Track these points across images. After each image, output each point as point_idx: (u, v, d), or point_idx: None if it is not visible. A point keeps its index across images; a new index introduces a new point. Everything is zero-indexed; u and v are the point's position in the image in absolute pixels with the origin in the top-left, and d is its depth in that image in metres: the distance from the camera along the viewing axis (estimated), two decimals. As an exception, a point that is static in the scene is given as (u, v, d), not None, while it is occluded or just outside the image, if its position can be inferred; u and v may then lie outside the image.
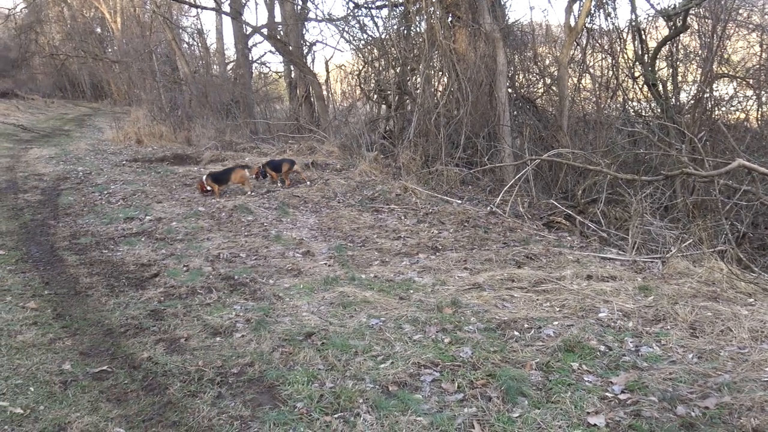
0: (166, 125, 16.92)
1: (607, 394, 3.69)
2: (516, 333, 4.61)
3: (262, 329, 4.79)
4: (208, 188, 9.61)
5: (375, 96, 15.16)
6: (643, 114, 12.57)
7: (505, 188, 9.27)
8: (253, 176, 10.41)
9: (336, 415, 3.59)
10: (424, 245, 7.27)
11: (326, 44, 30.35)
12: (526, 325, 4.73)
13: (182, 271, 6.30)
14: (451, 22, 13.21)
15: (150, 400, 3.85)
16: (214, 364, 4.28)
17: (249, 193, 9.66)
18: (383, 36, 14.24)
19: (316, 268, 6.35)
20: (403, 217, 8.46)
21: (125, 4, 30.02)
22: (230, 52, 27.12)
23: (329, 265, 6.46)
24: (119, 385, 4.05)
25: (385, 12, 14.30)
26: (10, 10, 32.80)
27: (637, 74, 12.26)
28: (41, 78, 34.64)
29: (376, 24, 19.12)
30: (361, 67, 15.52)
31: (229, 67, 25.33)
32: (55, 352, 4.53)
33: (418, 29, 13.51)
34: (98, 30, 35.37)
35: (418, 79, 13.12)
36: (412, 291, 5.68)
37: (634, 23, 11.72)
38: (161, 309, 5.31)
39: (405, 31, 14.01)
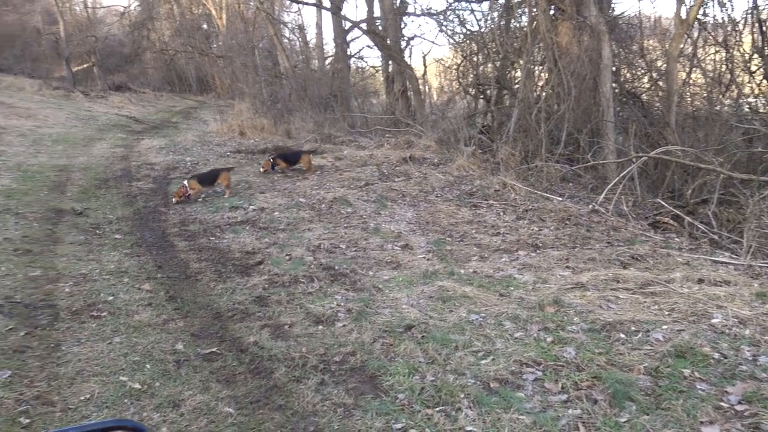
0: (268, 118, 17.42)
1: (722, 403, 3.51)
2: (622, 335, 4.46)
3: (363, 320, 4.86)
4: (189, 192, 9.32)
5: (473, 90, 15.03)
6: (761, 111, 11.84)
7: (609, 186, 8.97)
8: (262, 170, 10.81)
9: (437, 409, 3.60)
10: (523, 242, 7.16)
11: (424, 38, 30.38)
12: (632, 328, 4.57)
13: (285, 259, 6.49)
14: (554, 14, 12.90)
15: (257, 383, 3.99)
16: (317, 351, 4.39)
17: (227, 196, 9.46)
18: (483, 30, 14.09)
19: (415, 262, 6.38)
20: (501, 213, 8.35)
21: (230, 0, 31.09)
22: (329, 47, 27.62)
23: (428, 259, 6.47)
24: (228, 367, 4.22)
25: (486, 5, 14.14)
26: (125, 8, 34.81)
27: (754, 68, 11.56)
28: (151, 72, 36.47)
29: (476, 17, 18.93)
30: (459, 62, 15.42)
31: (328, 61, 25.81)
32: (169, 332, 4.78)
33: (519, 23, 13.28)
34: (205, 26, 36.83)
35: (518, 74, 12.90)
36: (512, 288, 5.61)
37: (754, 13, 11.05)
38: (266, 296, 5.50)
39: (505, 25, 13.81)
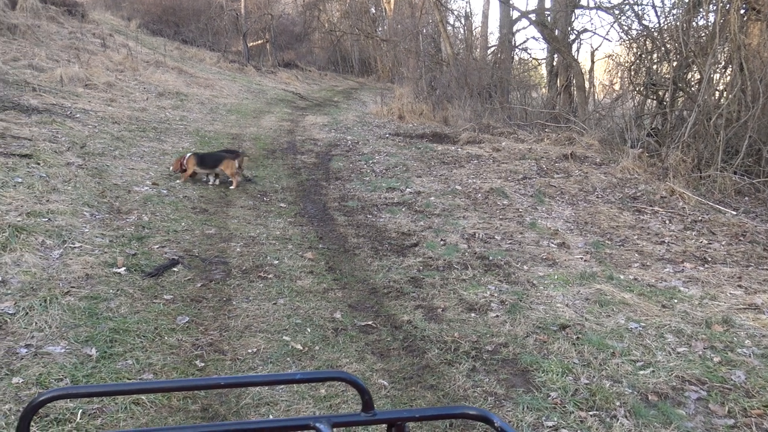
0: (427, 104, 17.60)
1: None
2: (803, 366, 4.11)
3: (517, 313, 4.83)
4: (184, 168, 8.31)
5: (644, 90, 14.27)
6: None
7: (794, 204, 8.21)
8: (172, 169, 8.55)
9: (591, 413, 3.52)
10: (690, 254, 6.75)
11: (595, 33, 29.07)
12: (815, 360, 4.19)
13: (439, 244, 6.57)
14: (744, 13, 11.91)
15: (409, 360, 4.10)
16: (469, 338, 4.43)
17: (233, 187, 8.44)
18: (662, 26, 13.29)
19: (572, 261, 6.22)
20: (667, 222, 7.92)
21: (400, -15, 31.65)
22: (493, 36, 27.33)
23: (585, 260, 6.29)
24: (382, 341, 4.37)
25: (669, 0, 13.31)
26: (300, -12, 36.41)
27: None
28: (318, 52, 37.92)
29: (657, 13, 17.91)
30: (633, 59, 14.67)
31: (490, 51, 25.55)
32: (328, 301, 5.02)
33: (706, 20, 12.40)
34: (372, 10, 37.75)
35: (698, 75, 12.07)
36: (676, 300, 5.32)
37: None
38: (420, 278, 5.61)
39: (686, 23, 12.94)
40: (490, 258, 6.18)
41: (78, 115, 10.33)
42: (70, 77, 13.11)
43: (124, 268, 5.06)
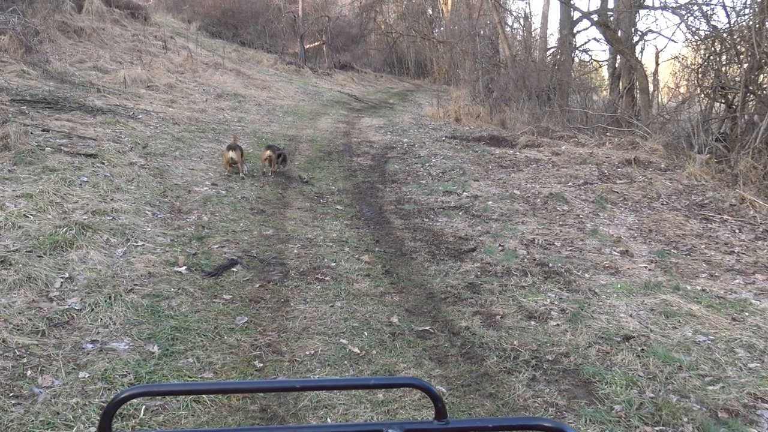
0: (484, 106, 17.48)
1: None
2: None
3: (578, 322, 4.74)
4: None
5: (712, 93, 13.83)
6: None
7: None
8: None
9: (657, 428, 3.43)
10: (762, 265, 6.50)
11: (660, 34, 28.23)
12: None
13: (497, 250, 6.51)
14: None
15: (468, 367, 4.07)
16: (528, 346, 4.37)
17: (241, 175, 8.82)
18: (733, 27, 12.86)
19: (635, 270, 6.07)
20: (737, 231, 7.65)
21: (458, -14, 31.54)
22: (552, 38, 26.95)
23: (650, 270, 6.13)
24: (440, 347, 4.35)
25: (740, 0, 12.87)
26: (357, -10, 36.67)
27: None
28: (374, 53, 38.12)
29: (727, 13, 17.36)
30: (700, 61, 14.25)
31: (549, 52, 25.21)
32: (385, 305, 5.03)
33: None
34: (429, 11, 37.75)
35: (771, 78, 11.62)
36: (747, 314, 5.13)
37: None
38: (478, 283, 5.56)
39: (759, 23, 12.49)
40: (550, 265, 6.09)
41: (140, 116, 10.64)
42: (132, 79, 13.52)
43: (185, 267, 5.19)
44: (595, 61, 24.14)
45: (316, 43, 31.64)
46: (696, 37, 14.63)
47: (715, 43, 13.69)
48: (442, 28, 36.52)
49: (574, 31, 21.24)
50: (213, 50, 21.74)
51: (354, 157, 11.34)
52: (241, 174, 8.87)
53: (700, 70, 14.19)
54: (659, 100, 17.63)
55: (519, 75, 19.58)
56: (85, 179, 6.62)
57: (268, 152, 9.15)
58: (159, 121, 10.78)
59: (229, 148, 8.79)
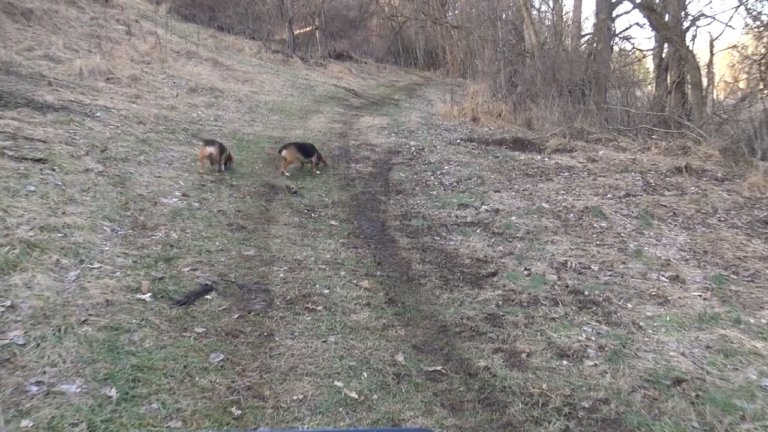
0: (506, 103, 17.53)
1: None
2: None
3: (620, 362, 4.71)
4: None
5: (779, 88, 13.87)
6: None
7: None
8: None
9: (716, 491, 3.38)
10: (840, 294, 6.47)
11: (715, 18, 28.33)
12: None
13: (523, 274, 6.49)
14: None
15: (487, 416, 4.04)
16: (560, 391, 4.34)
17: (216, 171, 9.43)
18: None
19: (688, 299, 6.04)
20: (809, 252, 7.63)
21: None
22: (587, 23, 27.14)
23: (705, 299, 6.10)
24: (454, 391, 4.32)
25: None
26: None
27: None
28: (376, 41, 38.36)
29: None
30: (763, 50, 14.31)
31: (584, 40, 25.31)
32: (388, 339, 5.00)
33: None
34: (442, -10, 37.99)
35: None
36: (823, 353, 5.10)
37: None
38: (500, 314, 5.54)
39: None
40: (586, 293, 6.06)
41: (98, 114, 10.67)
42: (90, 70, 13.58)
43: (150, 294, 5.17)
44: (638, 50, 24.23)
45: (308, 29, 31.84)
46: (758, 23, 14.69)
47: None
48: (456, 11, 36.79)
49: (613, 15, 21.33)
50: (185, 36, 21.89)
51: (352, 163, 11.36)
52: (217, 171, 9.32)
53: (763, 61, 14.24)
54: (714, 96, 17.68)
55: (548, 66, 19.63)
56: (33, 189, 6.62)
57: (209, 148, 9.39)
58: (120, 119, 10.81)
59: (207, 143, 9.32)
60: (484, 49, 24.95)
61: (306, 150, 10.47)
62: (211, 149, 9.27)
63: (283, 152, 10.19)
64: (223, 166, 9.63)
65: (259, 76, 20.83)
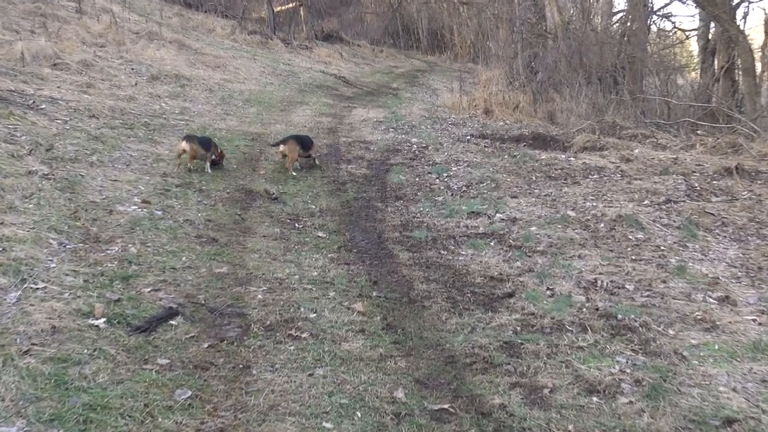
0: (525, 93, 17.58)
1: None
2: None
3: (660, 399, 4.72)
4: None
5: None
6: None
7: None
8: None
9: None
10: None
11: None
12: None
13: (545, 295, 6.50)
14: None
15: (503, 463, 4.04)
16: (590, 433, 4.35)
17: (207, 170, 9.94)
18: None
19: (740, 325, 6.05)
20: None
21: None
22: (621, -3, 27.21)
23: (760, 323, 6.11)
24: (464, 433, 4.33)
25: None
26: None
27: None
28: (371, 20, 38.46)
29: None
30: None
31: (616, 19, 25.41)
32: (386, 372, 5.01)
33: None
34: (448, -40, 38.11)
35: None
36: None
37: None
38: (518, 342, 5.55)
39: None
40: (619, 317, 6.07)
41: (43, 106, 10.69)
42: (33, 54, 13.59)
43: (104, 319, 5.16)
44: (679, 30, 24.33)
45: (291, 5, 31.94)
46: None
47: None
48: (466, -16, 36.84)
49: (651, -12, 21.43)
50: (146, 15, 21.96)
51: (343, 164, 11.39)
52: (188, 166, 9.79)
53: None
54: (772, 84, 17.73)
55: (574, 50, 19.70)
56: (-35, 195, 6.63)
57: (184, 144, 9.71)
58: (70, 113, 10.83)
59: (185, 138, 9.80)
60: (499, 29, 25.01)
61: (304, 143, 10.84)
62: (185, 145, 9.55)
63: (281, 147, 10.52)
64: (208, 166, 9.94)
65: (233, 61, 20.89)
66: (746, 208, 9.22)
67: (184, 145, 9.64)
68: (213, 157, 10.05)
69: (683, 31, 24.10)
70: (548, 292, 6.58)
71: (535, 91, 18.06)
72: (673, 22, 29.00)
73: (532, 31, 22.66)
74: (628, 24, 21.74)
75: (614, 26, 24.74)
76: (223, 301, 5.89)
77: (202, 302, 5.80)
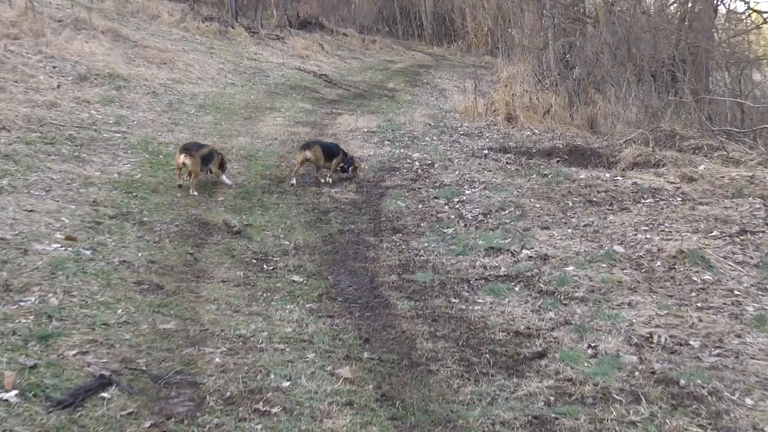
0: (558, 93, 17.63)
1: None
2: None
3: (737, 490, 4.70)
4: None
5: None
6: None
7: None
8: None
9: None
10: None
11: None
12: None
13: (585, 354, 6.48)
14: None
15: None
16: None
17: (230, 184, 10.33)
18: None
19: (836, 391, 6.05)
20: None
21: None
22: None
23: None
24: None
25: None
26: None
27: None
28: (360, 2, 38.62)
29: None
30: None
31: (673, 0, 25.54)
32: (382, 459, 4.98)
33: None
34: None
35: None
36: None
37: None
38: (551, 417, 5.51)
39: None
40: (682, 382, 6.05)
41: (-61, 116, 10.70)
42: (-74, 49, 13.63)
43: (16, 391, 5.13)
44: (755, 12, 24.38)
45: (258, -15, 32.07)
46: None
47: None
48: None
49: (718, -39, 21.56)
50: (72, -3, 21.99)
51: (325, 187, 11.38)
52: (191, 188, 10.17)
53: None
54: None
55: (620, 38, 19.81)
56: None
57: (182, 157, 9.98)
58: (-28, 124, 10.84)
59: (182, 149, 10.21)
60: (524, 13, 25.14)
61: (332, 151, 11.37)
62: (184, 158, 9.90)
63: (307, 153, 11.06)
64: (193, 178, 10.28)
65: (184, 56, 20.94)
66: (843, 239, 9.25)
67: (182, 158, 9.94)
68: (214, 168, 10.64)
69: (760, 13, 24.12)
70: (590, 351, 6.56)
71: (570, 91, 18.08)
72: (747, 2, 28.91)
73: (567, 15, 22.77)
74: (689, 5, 21.86)
75: (671, 7, 24.86)
76: (169, 367, 5.85)
77: (143, 368, 5.76)
